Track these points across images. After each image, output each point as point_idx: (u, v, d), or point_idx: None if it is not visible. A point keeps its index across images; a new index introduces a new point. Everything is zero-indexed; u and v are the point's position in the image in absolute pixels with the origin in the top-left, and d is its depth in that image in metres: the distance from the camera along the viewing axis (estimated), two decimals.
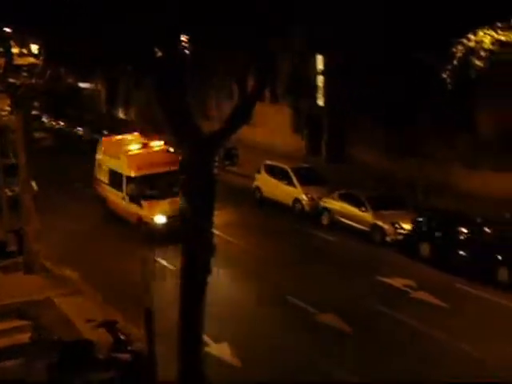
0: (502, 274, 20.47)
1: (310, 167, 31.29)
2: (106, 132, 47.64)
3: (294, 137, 41.16)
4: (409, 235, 24.11)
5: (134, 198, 26.66)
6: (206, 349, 15.15)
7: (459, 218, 22.65)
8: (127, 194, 27.16)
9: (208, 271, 12.96)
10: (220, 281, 18.89)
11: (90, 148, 45.81)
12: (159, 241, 23.34)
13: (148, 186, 26.83)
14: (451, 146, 30.80)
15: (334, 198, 27.24)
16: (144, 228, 25.56)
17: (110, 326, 14.52)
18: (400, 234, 24.43)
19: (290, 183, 29.48)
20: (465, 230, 21.94)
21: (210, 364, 13.69)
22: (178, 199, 23.45)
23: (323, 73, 38.99)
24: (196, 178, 12.99)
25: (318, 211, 27.94)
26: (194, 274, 12.95)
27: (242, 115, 13.64)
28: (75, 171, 36.40)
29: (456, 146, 30.70)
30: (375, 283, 21.26)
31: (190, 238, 13.14)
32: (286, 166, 30.24)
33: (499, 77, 26.57)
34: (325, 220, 27.45)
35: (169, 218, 25.16)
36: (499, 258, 20.67)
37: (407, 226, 24.28)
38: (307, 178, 29.68)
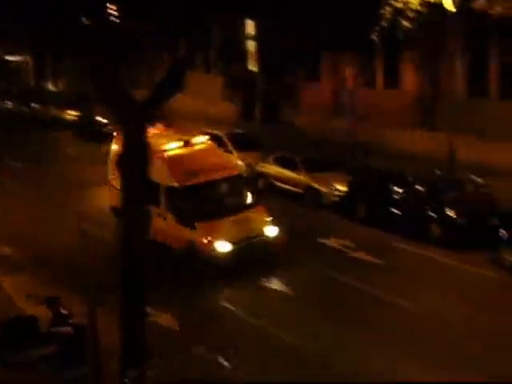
0: (434, 230, 20.99)
1: (244, 132, 31.29)
2: (35, 105, 46.59)
3: (226, 103, 41.24)
4: (344, 196, 24.40)
5: (183, 217, 20.02)
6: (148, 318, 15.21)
7: (391, 177, 23.01)
8: (169, 211, 20.27)
9: (145, 242, 12.99)
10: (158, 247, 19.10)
11: (19, 121, 45.23)
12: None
13: (200, 200, 20.31)
14: (380, 106, 31.30)
15: (269, 162, 27.34)
16: (198, 259, 19.41)
17: (51, 301, 14.37)
18: (335, 195, 24.71)
19: (226, 150, 29.42)
20: (398, 189, 22.34)
21: (150, 331, 13.69)
22: (245, 216, 20.12)
23: (254, 38, 39.00)
24: (129, 147, 12.89)
25: (254, 176, 28.01)
26: (132, 246, 12.95)
27: (173, 83, 13.55)
28: (5, 146, 35.71)
29: (384, 107, 31.20)
30: (314, 245, 21.51)
31: (127, 208, 13.08)
32: (220, 132, 30.14)
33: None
34: (261, 185, 27.55)
35: (235, 243, 19.32)
36: (431, 214, 21.18)
37: (342, 188, 24.56)
38: (242, 144, 29.64)
